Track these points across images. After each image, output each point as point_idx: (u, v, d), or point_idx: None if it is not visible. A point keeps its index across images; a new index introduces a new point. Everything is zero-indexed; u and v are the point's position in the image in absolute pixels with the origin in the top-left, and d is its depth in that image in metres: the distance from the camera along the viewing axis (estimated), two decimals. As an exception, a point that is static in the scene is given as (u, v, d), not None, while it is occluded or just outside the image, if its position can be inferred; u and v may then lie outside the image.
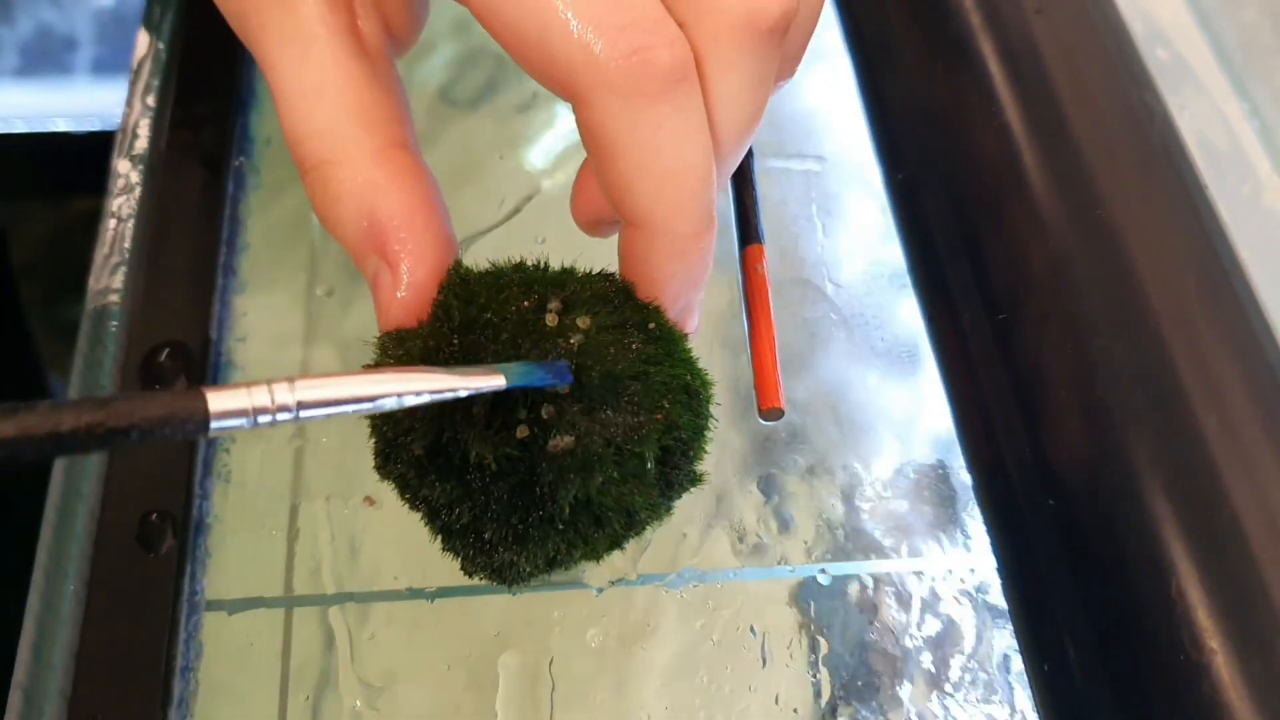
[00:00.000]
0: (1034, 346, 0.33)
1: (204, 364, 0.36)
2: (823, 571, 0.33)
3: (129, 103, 0.40)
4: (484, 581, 0.26)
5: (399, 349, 0.24)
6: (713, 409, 0.26)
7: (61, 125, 1.16)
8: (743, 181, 0.40)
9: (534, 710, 0.31)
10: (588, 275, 0.25)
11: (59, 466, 0.33)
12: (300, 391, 0.20)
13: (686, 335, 0.26)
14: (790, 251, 0.39)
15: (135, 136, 0.39)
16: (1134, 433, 0.30)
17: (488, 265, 0.25)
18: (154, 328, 0.36)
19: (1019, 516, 0.32)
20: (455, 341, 0.24)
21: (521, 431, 0.23)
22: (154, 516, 0.33)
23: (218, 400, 0.19)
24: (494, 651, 0.32)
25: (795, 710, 0.31)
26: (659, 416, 0.24)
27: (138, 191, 0.38)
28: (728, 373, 0.37)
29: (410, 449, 0.24)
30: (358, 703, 0.31)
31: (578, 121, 0.23)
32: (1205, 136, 0.38)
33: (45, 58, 1.24)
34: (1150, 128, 0.36)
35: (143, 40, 0.42)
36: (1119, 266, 0.33)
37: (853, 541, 0.34)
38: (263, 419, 0.19)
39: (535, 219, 0.41)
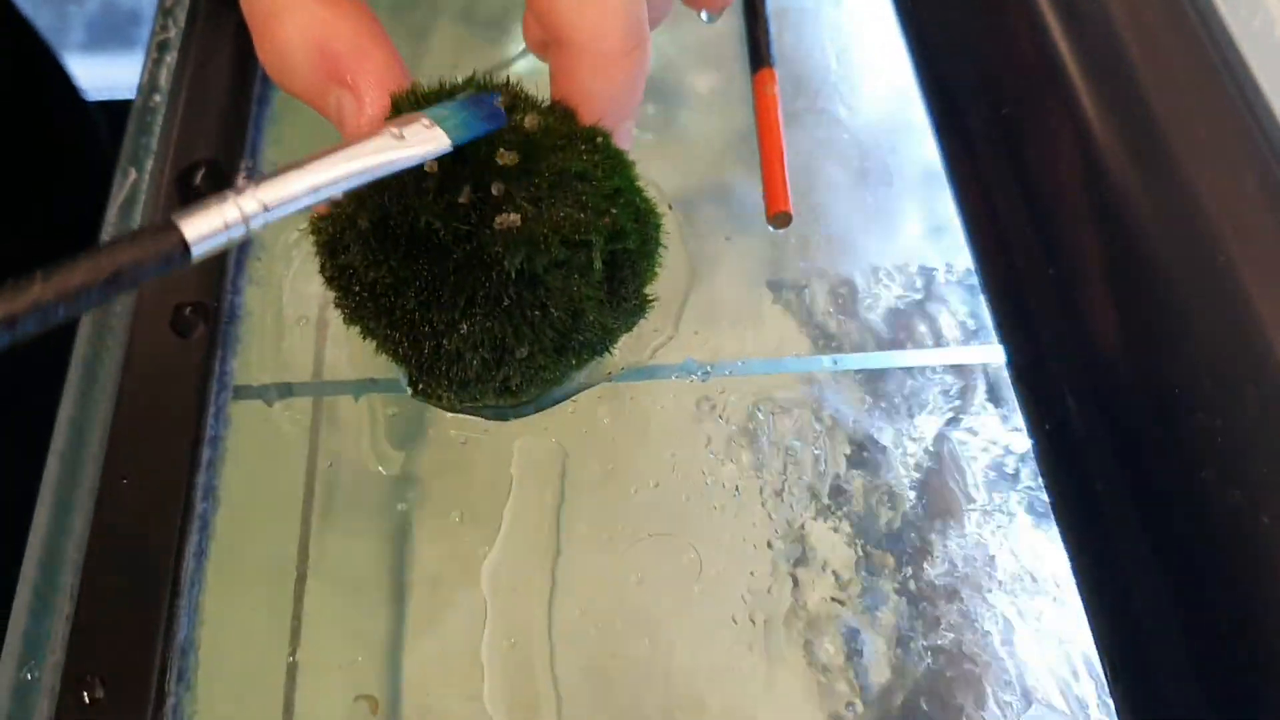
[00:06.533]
0: (1038, 140, 0.33)
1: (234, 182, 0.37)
2: (834, 362, 0.34)
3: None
4: (432, 403, 0.26)
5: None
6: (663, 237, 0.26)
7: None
8: (753, 10, 0.41)
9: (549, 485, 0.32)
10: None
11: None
12: (263, 194, 0.20)
13: (633, 163, 0.26)
14: (805, 80, 0.40)
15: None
16: (1126, 210, 0.31)
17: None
18: (192, 146, 0.38)
19: (1020, 291, 0.32)
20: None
21: (466, 196, 0.23)
22: (188, 310, 0.35)
23: (192, 228, 0.19)
24: (511, 432, 0.33)
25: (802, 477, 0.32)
26: (605, 220, 0.24)
27: (179, 33, 0.40)
28: (744, 190, 0.37)
29: (358, 224, 0.24)
30: (381, 469, 0.32)
31: None
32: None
33: (112, 33, 1.29)
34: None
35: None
36: (1118, 58, 0.33)
37: (858, 336, 0.35)
38: (235, 232, 0.19)
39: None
